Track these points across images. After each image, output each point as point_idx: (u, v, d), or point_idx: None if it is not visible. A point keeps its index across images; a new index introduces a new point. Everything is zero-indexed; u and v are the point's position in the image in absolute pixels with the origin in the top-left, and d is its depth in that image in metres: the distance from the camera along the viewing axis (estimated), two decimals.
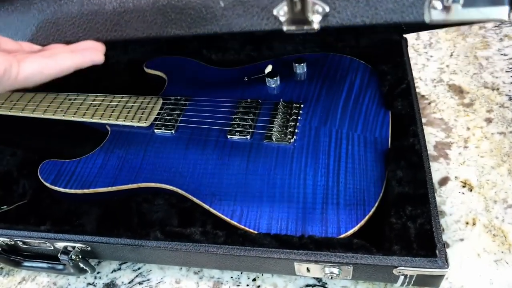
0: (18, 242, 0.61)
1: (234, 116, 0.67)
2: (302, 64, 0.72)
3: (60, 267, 0.60)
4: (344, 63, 0.74)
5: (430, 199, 0.53)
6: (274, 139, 0.63)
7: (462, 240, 0.58)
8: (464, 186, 0.64)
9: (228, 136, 0.65)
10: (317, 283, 0.58)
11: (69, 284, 0.63)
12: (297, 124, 0.64)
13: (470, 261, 0.56)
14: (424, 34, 0.89)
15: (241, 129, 0.65)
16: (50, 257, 0.61)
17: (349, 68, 0.73)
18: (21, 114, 0.76)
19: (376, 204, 0.55)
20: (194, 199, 0.59)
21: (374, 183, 0.57)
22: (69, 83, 0.90)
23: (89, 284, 0.62)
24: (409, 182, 0.55)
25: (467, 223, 0.60)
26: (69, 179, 0.65)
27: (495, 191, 0.62)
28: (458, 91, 0.77)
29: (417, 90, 0.78)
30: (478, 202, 0.62)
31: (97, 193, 0.63)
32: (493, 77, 0.78)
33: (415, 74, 0.81)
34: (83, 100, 0.75)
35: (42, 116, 0.75)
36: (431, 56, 0.84)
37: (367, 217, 0.54)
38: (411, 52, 0.86)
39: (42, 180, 0.65)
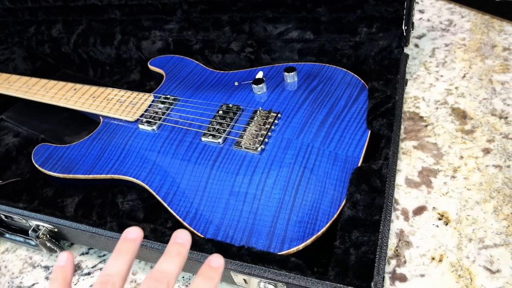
0: (1, 215, 0.66)
1: (212, 120, 0.68)
2: (292, 74, 0.71)
3: (33, 243, 0.64)
4: (337, 76, 0.72)
5: (382, 228, 0.50)
6: (242, 146, 0.62)
7: (422, 276, 0.54)
8: (440, 219, 0.59)
9: (202, 139, 0.65)
10: None
11: (42, 261, 0.68)
12: (269, 133, 0.63)
13: None
14: (440, 52, 0.83)
15: (214, 133, 0.65)
16: (27, 233, 0.66)
17: (340, 81, 0.71)
18: (32, 98, 0.83)
19: (328, 225, 0.53)
20: (156, 196, 0.61)
21: (332, 203, 0.55)
22: (88, 74, 0.97)
23: None
24: (365, 207, 0.52)
25: (433, 258, 0.56)
26: (55, 164, 0.69)
27: (473, 229, 0.57)
28: (461, 116, 0.71)
29: (417, 111, 0.74)
30: (452, 238, 0.57)
31: (79, 179, 0.67)
32: (504, 104, 0.71)
33: (419, 93, 0.76)
34: (86, 91, 0.80)
35: (49, 101, 0.81)
36: (441, 76, 0.79)
37: (314, 237, 0.52)
38: (421, 70, 0.81)
39: (33, 161, 0.71)
